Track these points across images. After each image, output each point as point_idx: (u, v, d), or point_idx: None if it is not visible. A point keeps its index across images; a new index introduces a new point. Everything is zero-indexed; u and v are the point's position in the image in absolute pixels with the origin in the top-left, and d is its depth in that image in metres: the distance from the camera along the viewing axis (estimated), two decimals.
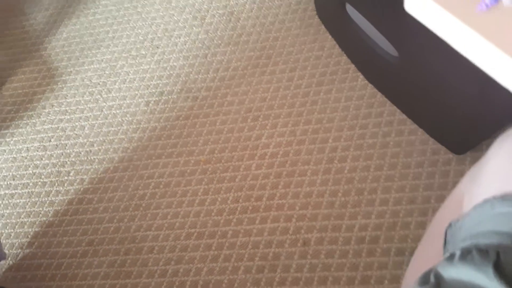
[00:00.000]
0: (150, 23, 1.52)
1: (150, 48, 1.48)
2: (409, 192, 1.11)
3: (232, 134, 1.31)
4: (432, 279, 0.40)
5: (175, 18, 1.50)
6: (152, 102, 1.39)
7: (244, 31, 1.43)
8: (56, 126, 1.42)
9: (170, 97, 1.39)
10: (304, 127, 1.27)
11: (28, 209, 1.31)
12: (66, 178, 1.33)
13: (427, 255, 0.62)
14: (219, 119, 1.33)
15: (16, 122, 1.47)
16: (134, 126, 1.36)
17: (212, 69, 1.40)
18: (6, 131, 1.46)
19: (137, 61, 1.47)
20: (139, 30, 1.52)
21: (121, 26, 1.54)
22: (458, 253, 0.40)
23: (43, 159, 1.38)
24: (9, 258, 1.26)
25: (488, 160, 0.48)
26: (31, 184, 1.35)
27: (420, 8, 0.41)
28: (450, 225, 0.48)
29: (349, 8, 1.17)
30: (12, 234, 1.29)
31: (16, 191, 1.35)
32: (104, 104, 1.42)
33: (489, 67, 0.38)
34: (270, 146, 1.27)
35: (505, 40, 0.36)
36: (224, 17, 1.46)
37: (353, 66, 1.31)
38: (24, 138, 1.43)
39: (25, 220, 1.30)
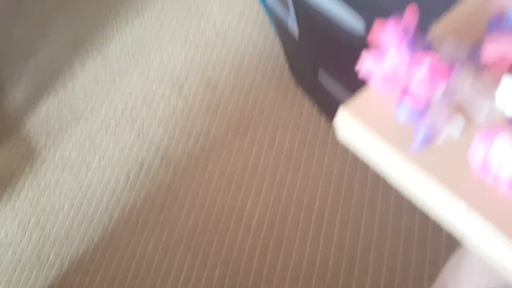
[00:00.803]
0: (128, 95, 1.53)
1: (130, 120, 1.48)
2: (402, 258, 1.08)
3: (215, 205, 1.28)
4: None
5: (154, 89, 1.51)
6: (133, 176, 1.37)
7: (223, 98, 1.44)
8: (35, 206, 1.40)
9: (150, 170, 1.37)
10: (288, 193, 1.25)
11: None
12: (46, 261, 1.29)
13: None
14: (201, 190, 1.31)
15: None
16: (114, 203, 1.34)
17: (192, 139, 1.39)
18: None
19: (116, 134, 1.46)
20: (118, 102, 1.52)
21: (100, 100, 1.55)
22: None
23: (22, 242, 1.34)
24: None
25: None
26: (10, 270, 1.30)
27: (352, 140, 0.40)
28: None
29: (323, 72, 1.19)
30: None
31: None
32: (84, 180, 1.40)
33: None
34: (255, 216, 1.24)
35: (442, 173, 0.35)
36: (202, 85, 1.48)
37: (333, 127, 1.31)
38: (3, 220, 1.40)
39: None
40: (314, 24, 1.05)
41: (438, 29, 0.43)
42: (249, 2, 1.56)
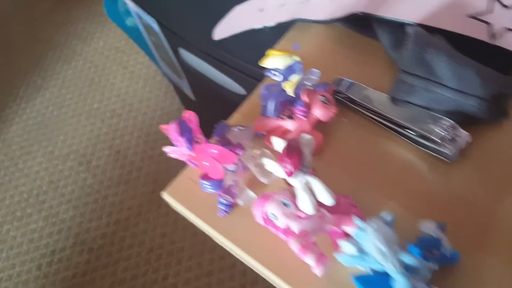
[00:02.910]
0: (33, 177, 1.49)
1: (36, 205, 1.44)
2: None
3: (136, 280, 1.26)
4: None
5: (60, 168, 1.49)
6: (45, 264, 1.32)
7: (134, 167, 1.45)
8: None
9: (63, 254, 1.33)
10: (210, 256, 1.26)
11: None
12: None
13: None
14: (120, 267, 1.28)
15: None
16: None
17: (105, 214, 1.38)
18: None
19: (23, 222, 1.42)
20: (23, 188, 1.48)
21: (3, 187, 1.50)
22: None
23: None
24: None
25: None
26: None
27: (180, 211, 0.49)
28: None
29: None
30: None
31: None
32: None
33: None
34: (178, 285, 1.23)
35: (239, 237, 0.44)
36: (111, 157, 1.48)
37: None
38: None
39: None
40: (205, 87, 1.11)
41: (236, 116, 0.52)
42: (152, 67, 1.62)
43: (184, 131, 0.40)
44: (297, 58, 0.44)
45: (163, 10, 1.04)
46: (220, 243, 0.47)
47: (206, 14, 0.79)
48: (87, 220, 1.38)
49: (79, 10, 1.86)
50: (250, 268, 0.44)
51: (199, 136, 0.42)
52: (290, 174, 0.38)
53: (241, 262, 0.45)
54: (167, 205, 0.48)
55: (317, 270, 0.41)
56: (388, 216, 0.35)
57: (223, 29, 0.68)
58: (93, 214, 1.39)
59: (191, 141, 0.40)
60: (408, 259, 0.35)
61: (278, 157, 0.39)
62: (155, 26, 1.10)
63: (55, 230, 1.38)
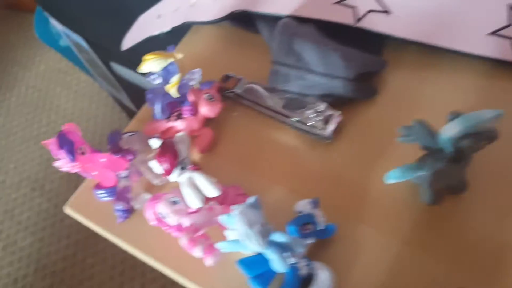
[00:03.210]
0: None
1: None
2: None
3: None
4: None
5: (13, 196, 1.48)
6: None
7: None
8: None
9: (26, 281, 1.33)
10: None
11: None
12: None
13: None
14: (84, 287, 1.29)
15: None
16: None
17: (64, 236, 1.38)
18: None
19: None
20: None
21: None
22: None
23: None
24: None
25: None
26: None
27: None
28: None
29: None
30: None
31: None
32: None
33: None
34: None
35: (140, 240, 0.47)
36: (64, 179, 1.48)
37: None
38: None
39: None
40: (142, 96, 1.12)
41: (133, 123, 0.55)
42: (95, 84, 1.62)
43: (63, 143, 0.42)
44: (171, 59, 0.46)
45: (87, 26, 1.05)
46: (126, 249, 0.49)
47: (122, 25, 0.80)
48: (46, 244, 1.38)
49: (18, 36, 1.85)
50: None
51: (83, 146, 0.43)
52: (167, 172, 0.40)
53: None
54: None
55: (207, 261, 0.43)
56: (251, 200, 0.37)
57: (129, 39, 0.70)
58: (52, 238, 1.39)
59: (72, 152, 0.42)
60: (278, 237, 0.38)
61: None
62: (83, 43, 1.11)
63: (15, 258, 1.38)
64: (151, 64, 0.45)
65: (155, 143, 0.41)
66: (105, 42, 1.03)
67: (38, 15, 1.31)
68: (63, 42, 1.33)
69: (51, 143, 0.42)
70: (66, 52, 1.33)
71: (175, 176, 0.42)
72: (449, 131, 0.35)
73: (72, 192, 0.47)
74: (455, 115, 0.36)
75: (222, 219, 0.37)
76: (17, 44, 1.82)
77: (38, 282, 1.33)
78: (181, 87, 0.49)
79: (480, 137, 0.35)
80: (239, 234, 0.36)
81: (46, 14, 1.17)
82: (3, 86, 1.73)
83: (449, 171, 0.38)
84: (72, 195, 0.52)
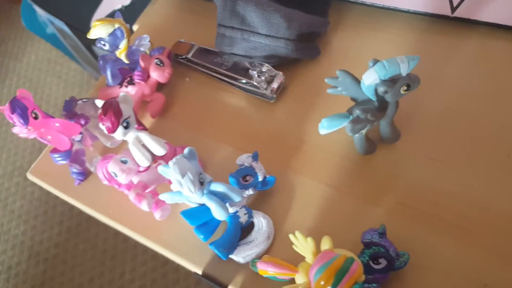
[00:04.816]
0: None
1: None
2: None
3: (93, 282, 1.31)
4: None
5: (6, 186, 1.53)
6: (2, 280, 1.37)
7: None
8: None
9: (19, 268, 1.37)
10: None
11: None
12: None
13: None
14: (76, 272, 1.33)
15: None
16: None
17: (56, 223, 1.42)
18: None
19: None
20: None
21: None
22: None
23: None
24: None
25: None
26: None
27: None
28: None
29: None
30: None
31: None
32: None
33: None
34: (136, 280, 1.28)
35: (96, 201, 0.51)
36: None
37: None
38: None
39: None
40: None
41: (91, 92, 0.60)
42: (85, 73, 1.66)
43: (15, 108, 0.45)
44: (117, 25, 0.49)
45: (68, 11, 1.09)
46: (84, 210, 0.52)
47: (96, 5, 0.84)
48: (39, 232, 1.43)
49: (8, 27, 1.89)
50: None
51: (36, 111, 0.47)
52: (109, 130, 0.43)
53: None
54: None
55: (156, 214, 0.46)
56: (186, 151, 0.40)
57: (98, 15, 0.73)
58: (44, 225, 1.43)
59: (24, 117, 0.45)
60: (216, 186, 0.41)
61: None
62: (65, 28, 1.15)
63: (9, 246, 1.42)
64: (99, 29, 0.48)
65: (99, 103, 0.44)
66: (84, 25, 1.07)
67: (24, 5, 1.35)
68: (49, 30, 1.37)
69: (5, 109, 0.45)
70: (53, 40, 1.37)
71: (120, 135, 0.45)
72: (367, 78, 0.38)
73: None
74: (374, 62, 0.38)
75: (159, 169, 0.40)
76: (8, 36, 1.87)
77: (32, 268, 1.37)
78: (132, 54, 0.52)
79: (397, 83, 0.38)
80: (173, 182, 0.39)
81: (31, 3, 1.20)
82: None
83: (377, 119, 0.41)
84: (34, 162, 0.55)
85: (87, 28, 1.06)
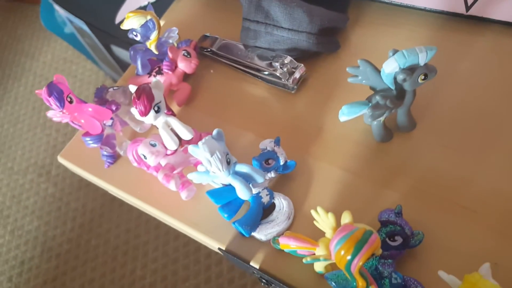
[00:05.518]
0: None
1: (1, 220, 1.52)
2: None
3: (105, 278, 1.34)
4: None
5: (21, 182, 1.57)
6: (15, 275, 1.40)
7: None
8: None
9: (32, 263, 1.41)
10: (174, 244, 1.34)
11: None
12: None
13: None
14: (88, 267, 1.36)
15: None
16: None
17: (69, 219, 1.46)
18: None
19: None
20: None
21: None
22: None
23: None
24: None
25: None
26: None
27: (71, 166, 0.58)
28: None
29: None
30: None
31: None
32: None
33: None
34: (147, 276, 1.31)
35: (124, 183, 0.54)
36: None
37: None
38: None
39: None
40: None
41: (119, 82, 0.62)
42: (100, 73, 1.70)
43: (52, 91, 0.48)
44: (149, 16, 0.52)
45: (87, 10, 1.13)
46: (113, 194, 0.55)
47: (119, 6, 0.87)
48: (52, 227, 1.46)
49: (25, 27, 1.95)
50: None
51: (71, 96, 0.50)
52: (142, 113, 0.47)
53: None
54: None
55: (182, 194, 0.49)
56: (214, 132, 0.43)
57: (122, 13, 0.77)
58: (57, 221, 1.47)
59: (60, 100, 0.49)
60: (241, 167, 0.44)
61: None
62: (85, 27, 1.19)
63: (22, 241, 1.46)
64: (132, 21, 0.52)
65: (133, 88, 0.47)
66: (104, 24, 1.11)
67: (43, 3, 1.40)
68: (68, 29, 1.41)
69: (42, 92, 0.49)
70: (71, 39, 1.42)
71: (151, 119, 0.48)
72: (387, 67, 0.41)
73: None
74: (394, 52, 0.41)
75: (189, 148, 0.43)
76: (25, 35, 1.92)
77: (44, 263, 1.40)
78: (161, 45, 0.55)
79: (415, 72, 0.41)
80: (203, 161, 0.42)
81: (51, 2, 1.25)
82: (11, 76, 1.82)
83: (395, 107, 0.44)
84: (65, 147, 0.59)
85: (108, 27, 1.10)
